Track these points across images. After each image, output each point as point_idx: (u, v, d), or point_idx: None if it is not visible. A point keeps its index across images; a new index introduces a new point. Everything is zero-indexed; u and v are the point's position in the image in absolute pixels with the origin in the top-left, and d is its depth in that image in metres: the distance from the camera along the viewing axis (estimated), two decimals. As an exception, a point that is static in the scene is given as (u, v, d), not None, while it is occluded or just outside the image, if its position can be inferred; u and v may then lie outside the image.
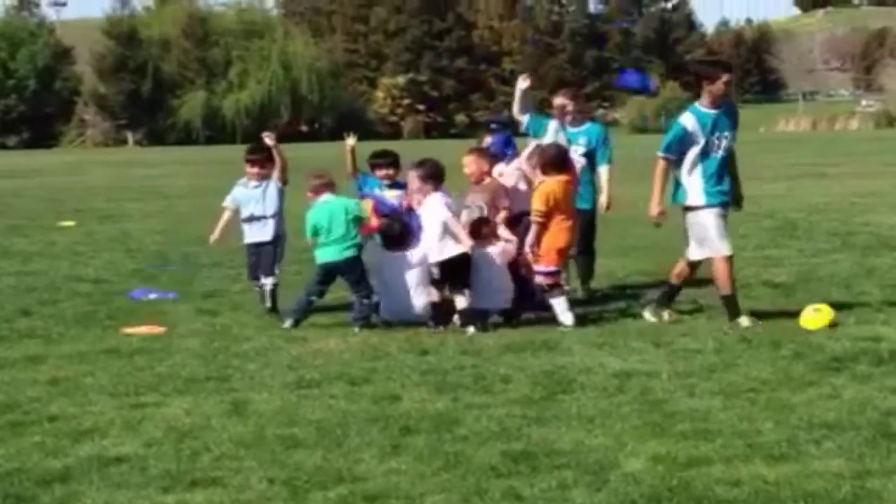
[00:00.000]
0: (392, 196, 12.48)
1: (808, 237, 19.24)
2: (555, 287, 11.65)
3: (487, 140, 13.09)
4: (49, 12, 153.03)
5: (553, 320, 11.60)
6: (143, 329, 11.93)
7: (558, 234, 11.66)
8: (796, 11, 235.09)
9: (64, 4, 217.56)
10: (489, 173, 12.27)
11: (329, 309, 12.56)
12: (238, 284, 14.62)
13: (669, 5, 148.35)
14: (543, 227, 11.61)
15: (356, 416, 8.26)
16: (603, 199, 13.61)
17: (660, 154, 11.47)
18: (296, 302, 12.09)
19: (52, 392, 9.24)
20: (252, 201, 13.05)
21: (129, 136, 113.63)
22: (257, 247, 13.02)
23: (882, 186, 29.77)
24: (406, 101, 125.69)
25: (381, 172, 12.79)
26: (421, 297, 11.85)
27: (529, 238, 11.65)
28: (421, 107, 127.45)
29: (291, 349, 10.76)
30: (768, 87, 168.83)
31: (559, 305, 11.59)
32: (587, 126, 13.75)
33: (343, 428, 7.95)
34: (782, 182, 33.36)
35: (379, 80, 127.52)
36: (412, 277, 11.78)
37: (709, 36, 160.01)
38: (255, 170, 13.10)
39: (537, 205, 11.60)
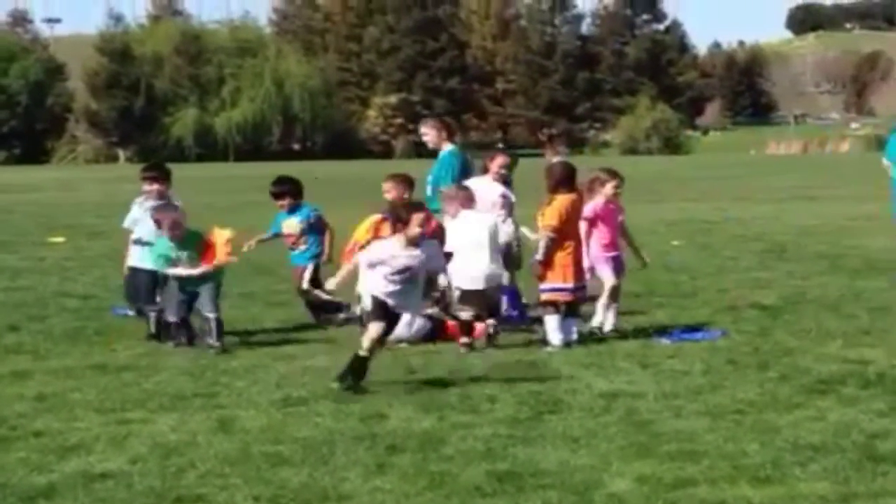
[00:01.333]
0: (290, 225, 12.89)
1: (796, 259, 19.28)
2: (551, 305, 11.62)
3: (500, 161, 13.04)
4: (42, 28, 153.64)
5: (541, 339, 11.64)
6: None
7: (567, 250, 11.66)
8: (788, 34, 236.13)
9: (58, 21, 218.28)
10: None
11: (317, 327, 12.59)
12: (226, 301, 14.58)
13: (662, 27, 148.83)
14: (555, 242, 11.62)
15: (342, 435, 8.25)
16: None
17: (887, 161, 10.72)
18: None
19: (39, 408, 9.23)
20: (143, 223, 12.68)
21: (121, 153, 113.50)
22: (135, 272, 12.64)
23: (871, 210, 29.75)
24: (398, 121, 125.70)
25: (278, 203, 13.31)
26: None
27: (539, 254, 11.66)
28: (413, 126, 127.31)
29: (279, 367, 10.75)
30: (759, 110, 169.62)
31: (550, 324, 11.58)
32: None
33: (329, 446, 7.95)
34: (772, 204, 33.43)
35: (371, 99, 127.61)
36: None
37: (701, 58, 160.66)
38: (152, 187, 12.81)
39: (551, 220, 11.59)
